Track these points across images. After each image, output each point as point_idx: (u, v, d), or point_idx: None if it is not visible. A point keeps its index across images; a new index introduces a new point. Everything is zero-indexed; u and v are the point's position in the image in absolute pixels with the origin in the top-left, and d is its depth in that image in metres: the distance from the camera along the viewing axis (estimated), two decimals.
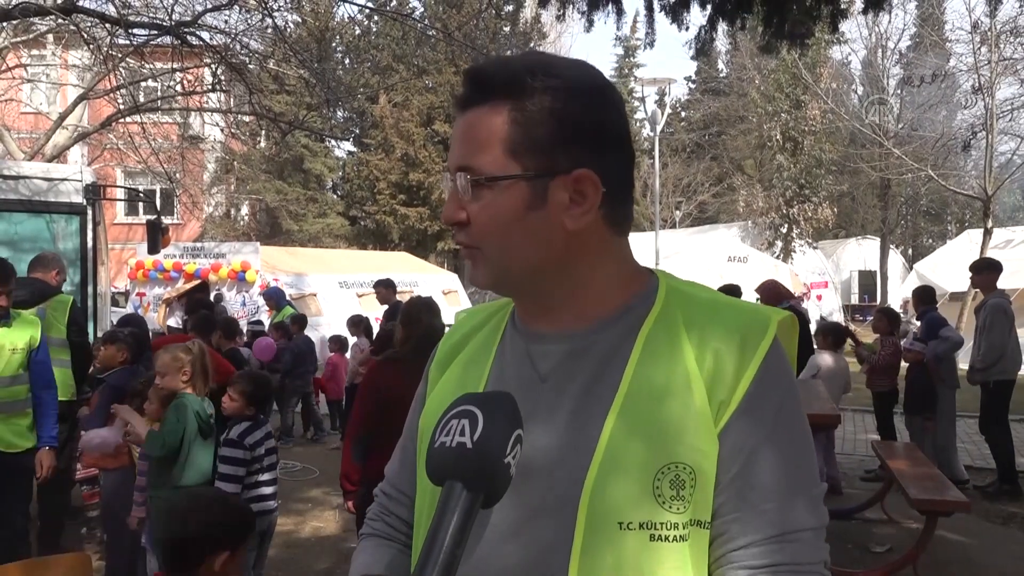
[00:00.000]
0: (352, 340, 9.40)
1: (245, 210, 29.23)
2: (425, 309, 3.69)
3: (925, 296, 7.47)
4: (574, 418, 0.90)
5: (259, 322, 11.10)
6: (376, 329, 9.92)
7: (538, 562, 0.87)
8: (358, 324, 9.18)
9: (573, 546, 0.85)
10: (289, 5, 12.58)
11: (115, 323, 7.00)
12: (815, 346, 7.04)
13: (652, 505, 0.85)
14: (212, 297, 12.56)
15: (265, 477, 3.67)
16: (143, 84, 13.35)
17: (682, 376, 0.89)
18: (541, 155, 0.91)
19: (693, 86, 39.39)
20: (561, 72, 0.93)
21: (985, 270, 6.94)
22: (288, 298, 11.34)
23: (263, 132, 22.00)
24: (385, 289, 8.91)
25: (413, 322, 3.63)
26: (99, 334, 7.60)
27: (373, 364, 4.04)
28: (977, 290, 7.37)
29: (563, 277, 0.95)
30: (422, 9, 26.77)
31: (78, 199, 7.85)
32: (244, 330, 9.05)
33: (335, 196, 30.07)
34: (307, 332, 9.61)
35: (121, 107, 12.78)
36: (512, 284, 0.98)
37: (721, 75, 38.38)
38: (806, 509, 0.87)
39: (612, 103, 0.95)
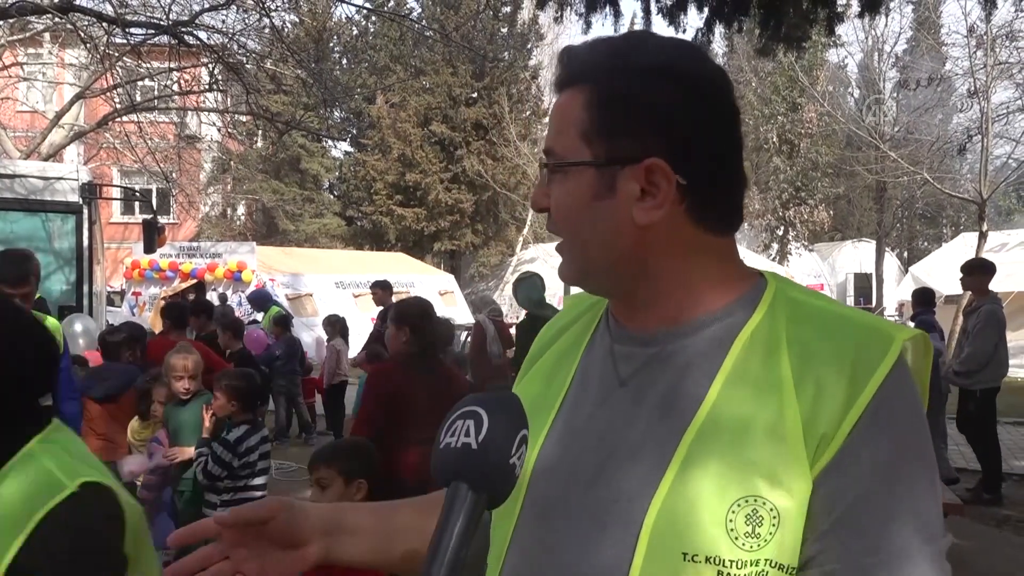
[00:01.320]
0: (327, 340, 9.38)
1: (241, 210, 29.19)
2: (421, 310, 3.71)
3: (923, 298, 7.36)
4: (648, 430, 0.83)
5: (255, 322, 11.11)
6: (362, 329, 9.92)
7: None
8: (334, 324, 9.13)
9: (631, 569, 0.78)
10: (286, 5, 12.58)
11: (109, 324, 6.99)
12: None
13: (722, 539, 0.75)
14: (217, 298, 12.54)
15: (256, 481, 3.74)
16: (140, 83, 13.35)
17: (775, 400, 0.78)
18: (612, 141, 0.84)
19: None
20: (651, 54, 0.85)
21: (977, 271, 6.67)
22: (284, 297, 11.33)
23: (260, 132, 21.97)
24: (382, 291, 8.91)
25: (411, 324, 3.64)
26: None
27: (377, 367, 4.07)
28: (969, 292, 7.27)
29: (641, 276, 0.87)
30: (419, 10, 26.76)
31: (74, 198, 7.85)
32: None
33: (332, 196, 29.99)
34: (303, 332, 9.60)
35: (118, 106, 12.77)
36: (593, 279, 0.92)
37: None
38: (922, 565, 0.74)
39: (709, 89, 0.85)
